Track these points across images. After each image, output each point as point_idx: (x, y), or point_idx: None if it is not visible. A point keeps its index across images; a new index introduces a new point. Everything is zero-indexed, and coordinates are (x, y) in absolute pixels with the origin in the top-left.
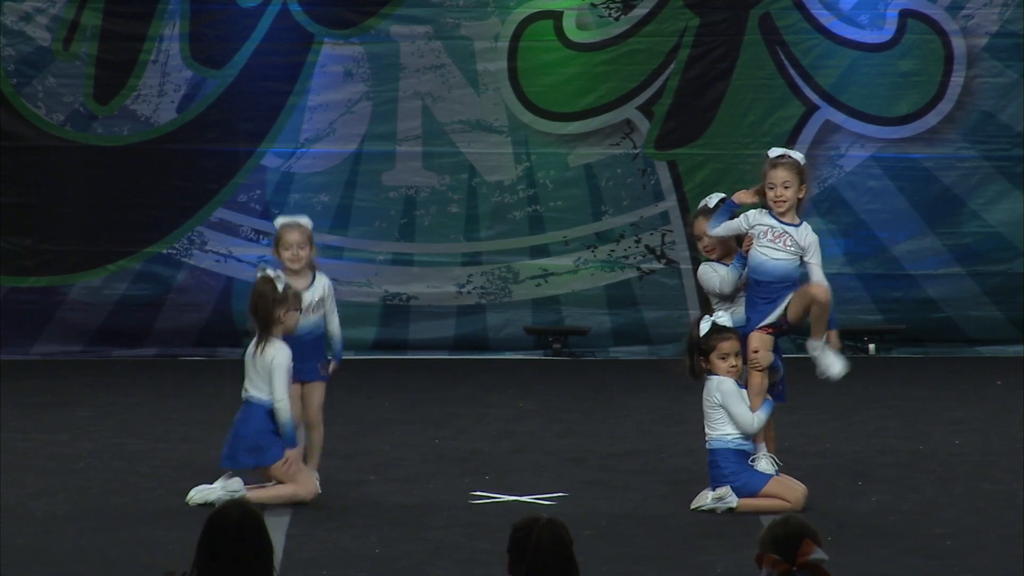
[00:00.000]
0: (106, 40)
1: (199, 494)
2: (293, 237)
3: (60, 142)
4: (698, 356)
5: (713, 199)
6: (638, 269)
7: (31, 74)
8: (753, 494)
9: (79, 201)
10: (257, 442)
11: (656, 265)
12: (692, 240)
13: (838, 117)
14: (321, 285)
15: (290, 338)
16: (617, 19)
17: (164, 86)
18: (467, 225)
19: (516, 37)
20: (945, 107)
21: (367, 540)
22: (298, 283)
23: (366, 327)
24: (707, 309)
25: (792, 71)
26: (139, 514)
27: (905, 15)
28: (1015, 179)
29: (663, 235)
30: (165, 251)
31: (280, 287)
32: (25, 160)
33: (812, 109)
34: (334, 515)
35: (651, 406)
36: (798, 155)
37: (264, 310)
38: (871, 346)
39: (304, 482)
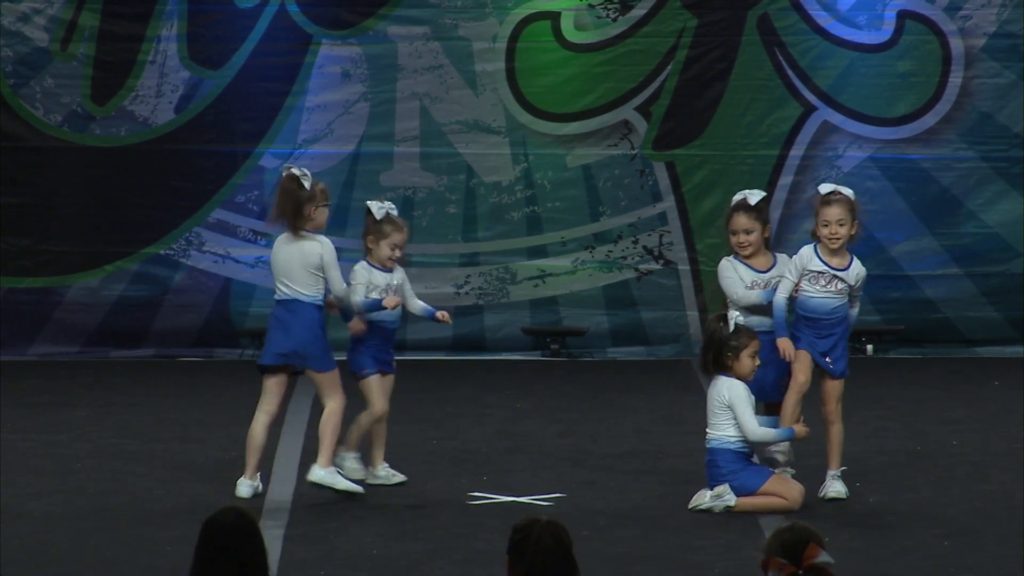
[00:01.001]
0: (104, 41)
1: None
2: (399, 238)
3: (58, 143)
4: (726, 352)
5: (754, 196)
6: (636, 270)
7: (29, 75)
8: (751, 493)
9: (77, 202)
10: (308, 347)
11: (654, 266)
12: (688, 239)
13: (836, 118)
14: (400, 270)
15: (373, 328)
16: (615, 20)
17: (162, 87)
18: (465, 226)
19: (514, 38)
20: (943, 108)
21: (365, 541)
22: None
23: None
24: (718, 305)
25: (790, 72)
26: (137, 514)
27: (903, 16)
28: (1013, 180)
29: (661, 236)
30: (163, 252)
31: (307, 184)
32: (23, 161)
33: (810, 110)
34: (332, 516)
35: (649, 406)
36: (848, 191)
37: (294, 206)
38: (869, 347)
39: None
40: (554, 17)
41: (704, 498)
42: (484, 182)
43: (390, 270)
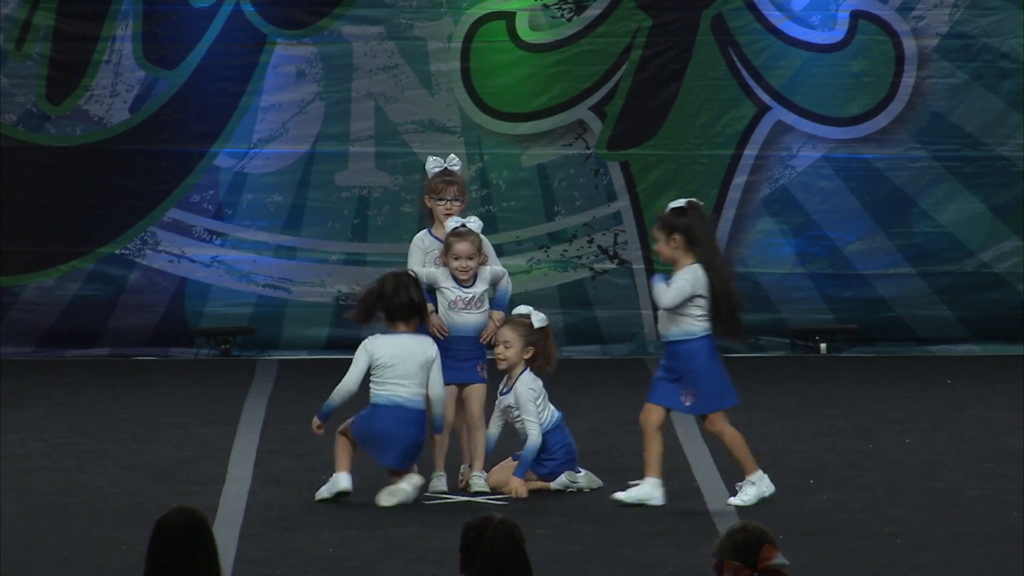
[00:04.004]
0: (59, 40)
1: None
2: (463, 248)
3: (12, 142)
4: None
5: (673, 204)
6: (591, 269)
7: None
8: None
9: (32, 201)
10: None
11: (609, 265)
12: (643, 238)
13: (790, 118)
14: (483, 280)
15: (449, 337)
16: (569, 20)
17: (117, 86)
18: (420, 225)
19: (469, 38)
20: (896, 108)
21: (320, 540)
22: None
23: (319, 327)
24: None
25: (744, 72)
26: (90, 514)
27: (856, 16)
28: (965, 179)
29: (616, 235)
30: (118, 251)
31: (428, 174)
32: None
33: (764, 110)
34: (287, 515)
35: (602, 405)
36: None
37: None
38: (822, 345)
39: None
40: (509, 17)
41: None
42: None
43: (467, 285)
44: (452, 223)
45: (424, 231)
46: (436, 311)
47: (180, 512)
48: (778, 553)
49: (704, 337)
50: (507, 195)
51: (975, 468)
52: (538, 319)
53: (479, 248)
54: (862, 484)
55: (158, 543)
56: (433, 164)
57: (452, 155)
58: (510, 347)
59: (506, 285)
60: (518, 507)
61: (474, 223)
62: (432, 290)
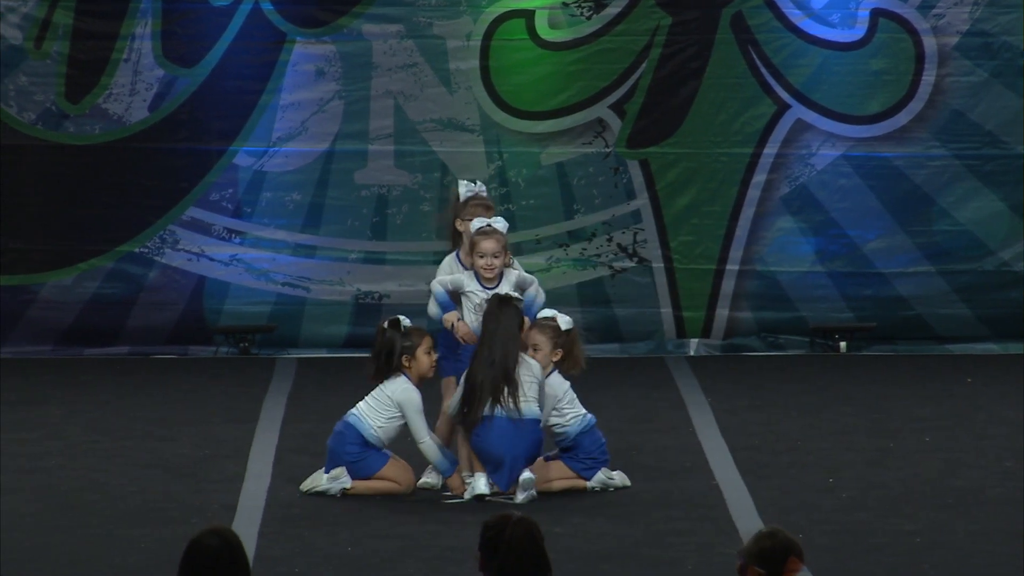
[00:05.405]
0: (78, 39)
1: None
2: (489, 245)
3: (31, 141)
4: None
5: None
6: (610, 267)
7: (2, 73)
8: (368, 476)
9: (51, 200)
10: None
11: (628, 263)
12: (662, 236)
13: (809, 116)
14: (508, 282)
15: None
16: (589, 18)
17: (136, 85)
18: (439, 232)
19: (488, 36)
20: (916, 106)
21: (338, 538)
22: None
23: (339, 325)
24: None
25: (763, 70)
26: (108, 512)
27: (876, 14)
28: (985, 177)
29: (635, 233)
30: (137, 250)
31: (461, 196)
32: None
33: (783, 108)
34: (305, 513)
35: (621, 403)
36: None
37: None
38: (842, 344)
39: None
40: (528, 15)
41: (321, 480)
42: (458, 180)
43: (491, 285)
44: (477, 223)
45: (452, 256)
46: (461, 318)
47: (212, 534)
48: (803, 567)
49: None
50: (526, 193)
51: (994, 467)
52: (564, 321)
53: (504, 248)
54: (880, 482)
55: (189, 565)
56: (466, 189)
57: (479, 181)
58: (539, 350)
59: (534, 293)
60: (538, 506)
61: (500, 223)
62: (457, 297)
